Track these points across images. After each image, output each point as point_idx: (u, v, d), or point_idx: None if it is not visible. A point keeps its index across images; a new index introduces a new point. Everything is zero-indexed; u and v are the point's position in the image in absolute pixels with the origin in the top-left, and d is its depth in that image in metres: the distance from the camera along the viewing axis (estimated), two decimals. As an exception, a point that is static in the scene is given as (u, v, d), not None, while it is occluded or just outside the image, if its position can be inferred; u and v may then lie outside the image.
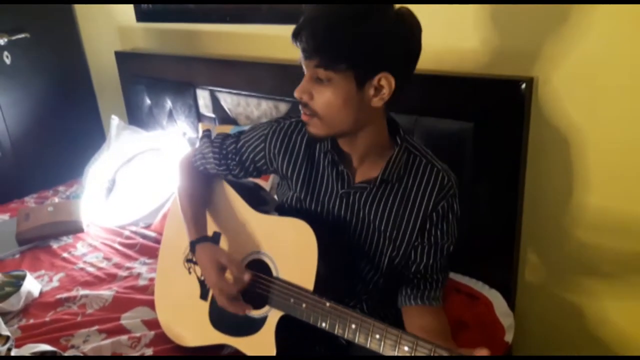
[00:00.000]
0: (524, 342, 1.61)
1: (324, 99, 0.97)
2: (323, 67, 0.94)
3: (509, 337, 1.46)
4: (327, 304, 0.99)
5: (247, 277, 1.09)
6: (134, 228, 2.07)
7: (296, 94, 1.00)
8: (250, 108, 2.01)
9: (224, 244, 1.25)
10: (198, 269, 1.27)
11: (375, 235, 1.11)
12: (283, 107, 1.90)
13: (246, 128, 1.26)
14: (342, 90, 0.96)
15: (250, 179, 1.45)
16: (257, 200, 1.26)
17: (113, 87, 2.82)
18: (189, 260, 1.28)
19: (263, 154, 1.19)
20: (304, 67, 0.99)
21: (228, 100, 2.11)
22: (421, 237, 1.09)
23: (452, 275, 1.55)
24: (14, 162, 2.68)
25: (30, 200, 2.45)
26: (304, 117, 1.03)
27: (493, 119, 1.40)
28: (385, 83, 0.95)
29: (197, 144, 1.34)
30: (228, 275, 1.13)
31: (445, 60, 1.51)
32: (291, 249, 1.10)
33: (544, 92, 1.36)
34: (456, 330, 1.39)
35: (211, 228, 1.28)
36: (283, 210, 1.21)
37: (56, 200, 2.42)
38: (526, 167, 1.44)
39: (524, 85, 1.33)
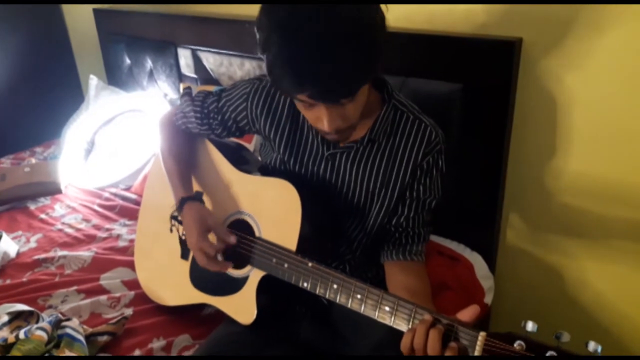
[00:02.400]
0: (503, 304, 1.63)
1: (356, 110, 0.94)
2: (346, 98, 0.89)
3: (488, 299, 1.48)
4: (309, 264, 0.98)
5: (232, 239, 1.08)
6: (113, 190, 2.04)
7: (329, 129, 0.92)
8: (234, 68, 1.96)
9: (206, 203, 1.22)
10: (180, 228, 1.25)
11: (363, 195, 1.09)
12: (267, 68, 1.85)
13: (228, 86, 1.22)
14: (364, 95, 0.94)
15: (233, 139, 1.42)
16: (240, 160, 1.24)
17: (92, 45, 2.72)
18: (174, 217, 1.26)
19: (245, 114, 1.15)
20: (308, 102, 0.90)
21: (210, 60, 2.05)
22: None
23: (435, 238, 1.56)
24: (-12, 121, 2.59)
25: (6, 161, 2.38)
26: (335, 136, 0.97)
27: (481, 81, 1.38)
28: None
29: (178, 102, 1.30)
30: (211, 237, 1.11)
31: (436, 20, 1.47)
32: (274, 209, 1.08)
33: (533, 53, 1.34)
34: (438, 292, 1.41)
35: (194, 187, 1.25)
36: (267, 171, 1.18)
37: (33, 161, 2.35)
38: (512, 130, 1.43)
39: (512, 46, 1.31)
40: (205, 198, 1.23)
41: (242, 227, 1.13)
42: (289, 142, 1.11)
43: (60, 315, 1.25)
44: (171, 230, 1.27)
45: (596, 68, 1.27)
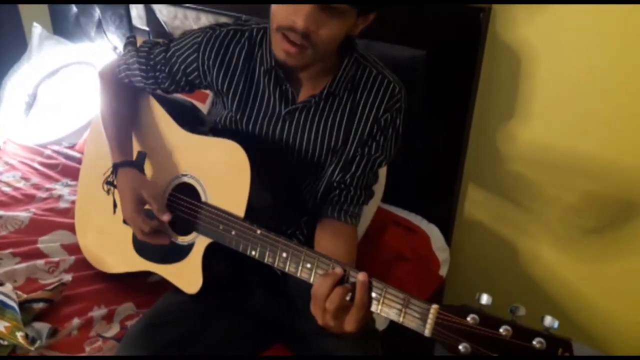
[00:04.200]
0: (458, 276, 1.65)
1: (330, 32, 0.88)
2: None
3: (443, 271, 1.49)
4: (258, 231, 0.93)
5: (166, 217, 1.00)
6: (56, 147, 1.93)
7: (301, 24, 0.85)
8: (189, 21, 1.85)
9: (149, 164, 1.15)
10: (117, 193, 1.17)
11: (323, 153, 1.05)
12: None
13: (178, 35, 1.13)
14: (347, 23, 0.89)
15: (185, 97, 1.33)
16: (188, 119, 1.16)
17: (36, -10, 2.53)
18: (108, 182, 1.18)
19: (196, 66, 1.07)
20: None
21: (164, 12, 1.93)
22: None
23: (392, 209, 1.55)
24: None
25: (-63, 113, 2.21)
26: (293, 48, 0.88)
27: (447, 48, 1.36)
28: (372, 17, 0.93)
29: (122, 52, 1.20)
30: (148, 207, 1.04)
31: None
32: (221, 172, 1.02)
33: (500, 21, 1.32)
34: (394, 262, 1.40)
35: (136, 147, 1.16)
36: (216, 131, 1.11)
37: (-33, 113, 2.20)
38: (476, 100, 1.41)
39: (481, 15, 1.28)
40: (148, 159, 1.15)
41: (187, 191, 1.06)
42: (243, 98, 1.05)
43: (-10, 280, 1.17)
44: (108, 194, 1.19)
45: (564, 38, 1.26)
